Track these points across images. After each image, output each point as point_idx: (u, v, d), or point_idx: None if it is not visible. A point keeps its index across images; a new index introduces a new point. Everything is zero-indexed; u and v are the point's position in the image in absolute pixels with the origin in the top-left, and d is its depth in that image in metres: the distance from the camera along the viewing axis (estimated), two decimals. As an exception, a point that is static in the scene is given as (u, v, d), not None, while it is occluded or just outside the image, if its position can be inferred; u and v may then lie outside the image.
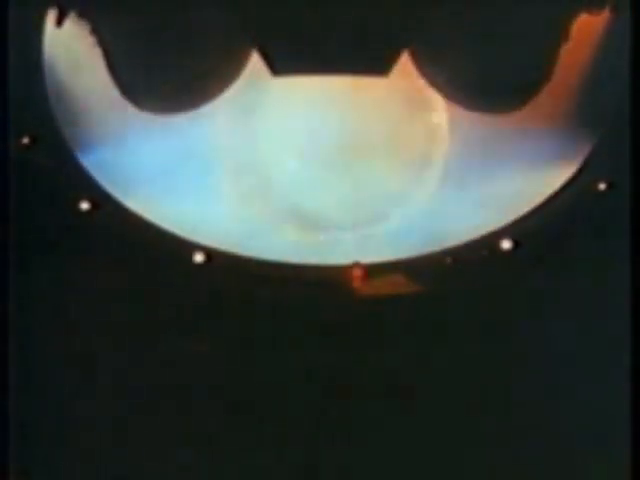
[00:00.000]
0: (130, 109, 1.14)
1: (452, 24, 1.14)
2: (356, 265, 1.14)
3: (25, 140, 1.15)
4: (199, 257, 1.14)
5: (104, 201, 1.15)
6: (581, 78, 1.13)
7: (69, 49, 1.15)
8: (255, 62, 1.14)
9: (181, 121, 1.14)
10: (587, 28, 1.13)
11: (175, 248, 1.14)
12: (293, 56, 1.14)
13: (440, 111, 1.14)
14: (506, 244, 1.13)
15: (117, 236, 1.15)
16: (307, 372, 1.15)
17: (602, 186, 1.13)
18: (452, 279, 1.14)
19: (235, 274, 1.14)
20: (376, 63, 1.14)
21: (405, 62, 1.13)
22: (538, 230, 1.13)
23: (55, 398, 1.16)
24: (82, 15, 1.15)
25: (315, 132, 1.15)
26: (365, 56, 1.14)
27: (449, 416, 1.14)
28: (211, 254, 1.14)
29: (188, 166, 1.15)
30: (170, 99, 1.14)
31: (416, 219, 1.14)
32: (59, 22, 1.14)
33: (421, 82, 1.14)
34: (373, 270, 1.14)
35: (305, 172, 1.15)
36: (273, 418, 1.15)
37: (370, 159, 1.14)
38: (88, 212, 1.15)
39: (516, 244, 1.13)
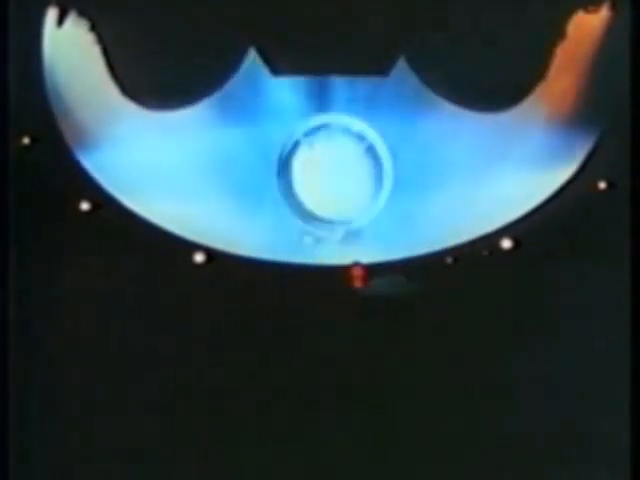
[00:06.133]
0: (129, 107, 1.14)
1: (449, 26, 1.14)
2: (356, 265, 1.14)
3: (25, 140, 1.15)
4: (199, 257, 1.14)
5: (104, 201, 1.15)
6: (579, 77, 1.13)
7: (69, 48, 1.15)
8: (252, 59, 1.14)
9: (179, 119, 1.14)
10: (585, 27, 1.13)
11: (176, 248, 1.14)
12: (293, 57, 1.14)
13: (438, 111, 1.14)
14: (507, 243, 1.13)
15: (117, 236, 1.15)
16: (307, 371, 1.15)
17: (602, 186, 1.13)
18: (453, 279, 1.14)
19: (235, 274, 1.14)
20: (375, 64, 1.14)
21: (403, 64, 1.13)
22: (538, 230, 1.14)
23: (55, 397, 1.15)
24: (81, 14, 1.15)
25: (314, 131, 1.15)
26: (364, 57, 1.14)
27: (449, 414, 1.14)
28: (211, 254, 1.14)
29: (188, 166, 1.15)
30: (168, 95, 1.14)
31: (413, 219, 1.14)
32: (60, 21, 1.14)
33: (419, 83, 1.14)
34: (373, 270, 1.14)
35: (304, 172, 1.15)
36: (273, 416, 1.15)
37: (364, 159, 1.15)
38: (88, 212, 1.15)
39: (517, 244, 1.13)
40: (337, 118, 1.15)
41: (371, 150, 1.15)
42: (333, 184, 1.15)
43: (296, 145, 1.15)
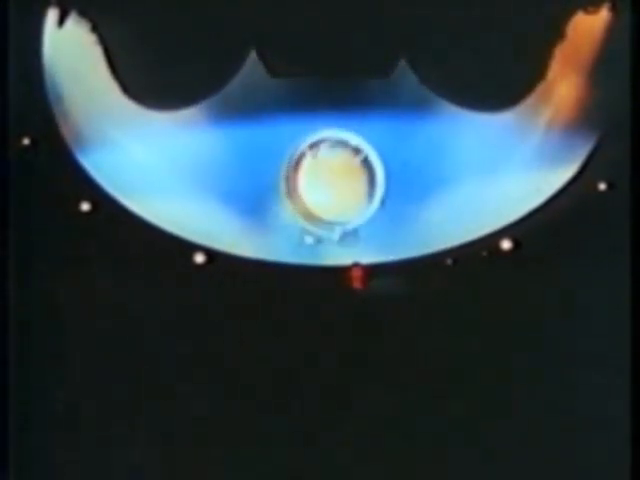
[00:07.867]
0: (130, 107, 1.14)
1: (449, 26, 1.14)
2: (356, 266, 1.14)
3: (25, 141, 1.15)
4: (200, 258, 1.14)
5: (105, 202, 1.15)
6: (579, 78, 1.13)
7: (69, 49, 1.15)
8: (253, 61, 1.14)
9: (180, 119, 1.14)
10: (585, 27, 1.13)
11: (176, 249, 1.14)
12: (293, 59, 1.15)
13: (438, 112, 1.14)
14: (506, 244, 1.14)
15: (118, 237, 1.15)
16: (307, 371, 1.15)
17: (602, 186, 1.13)
18: (452, 280, 1.14)
19: (236, 274, 1.15)
20: (376, 66, 1.14)
21: (404, 65, 1.14)
22: (538, 230, 1.14)
23: (55, 398, 1.16)
24: (82, 14, 1.15)
25: (313, 131, 1.15)
26: (364, 59, 1.14)
27: (449, 414, 1.15)
28: (212, 255, 1.14)
29: (188, 166, 1.15)
30: (169, 96, 1.14)
31: (413, 220, 1.15)
32: (60, 22, 1.14)
33: (419, 85, 1.14)
34: (373, 271, 1.14)
35: (308, 178, 1.15)
36: (273, 416, 1.15)
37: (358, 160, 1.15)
38: (89, 213, 1.15)
39: (516, 244, 1.14)
40: (338, 133, 1.15)
41: (367, 161, 1.15)
42: (333, 189, 1.15)
43: (302, 156, 1.15)
